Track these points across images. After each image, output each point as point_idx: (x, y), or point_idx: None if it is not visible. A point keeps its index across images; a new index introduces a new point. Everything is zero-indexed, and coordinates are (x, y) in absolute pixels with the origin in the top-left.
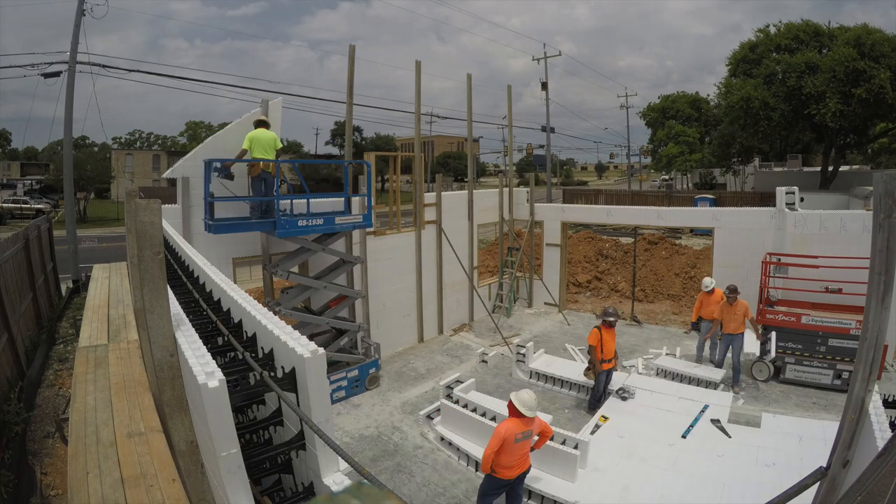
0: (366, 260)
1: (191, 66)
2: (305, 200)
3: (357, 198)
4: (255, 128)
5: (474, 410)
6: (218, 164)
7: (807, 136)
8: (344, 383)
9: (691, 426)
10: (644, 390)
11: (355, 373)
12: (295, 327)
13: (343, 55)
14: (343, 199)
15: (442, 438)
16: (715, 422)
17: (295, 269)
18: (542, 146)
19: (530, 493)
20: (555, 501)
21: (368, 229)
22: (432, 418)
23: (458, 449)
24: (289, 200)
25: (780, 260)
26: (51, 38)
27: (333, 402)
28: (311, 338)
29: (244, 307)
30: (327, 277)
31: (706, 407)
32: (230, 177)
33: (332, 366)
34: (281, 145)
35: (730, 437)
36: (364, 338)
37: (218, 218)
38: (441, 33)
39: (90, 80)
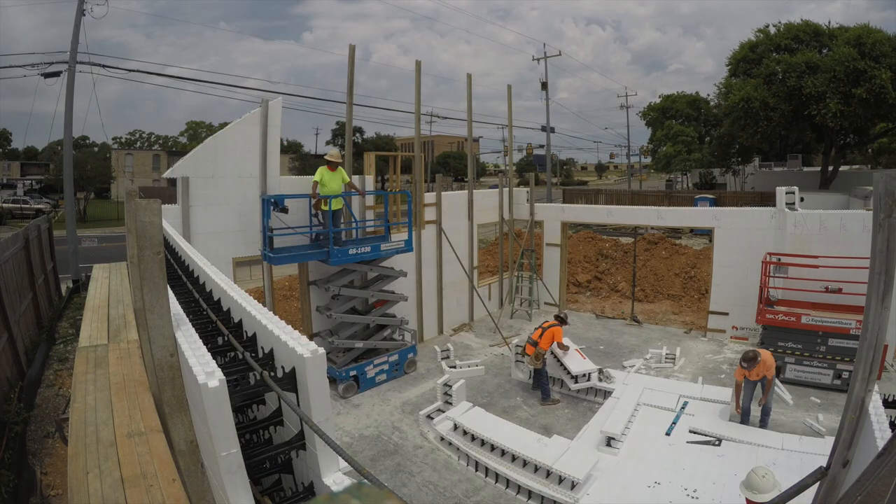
0: None
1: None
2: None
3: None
4: (330, 168)
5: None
6: (273, 200)
7: (807, 136)
8: (386, 367)
9: (673, 423)
10: (645, 389)
11: (395, 357)
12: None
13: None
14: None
15: (442, 438)
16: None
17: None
18: (542, 146)
19: (530, 494)
20: (554, 501)
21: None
22: (432, 418)
23: (458, 449)
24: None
25: (780, 260)
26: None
27: (377, 385)
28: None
29: (244, 307)
30: (375, 286)
31: (685, 403)
32: (285, 210)
33: (375, 351)
34: (348, 179)
35: (718, 443)
36: (402, 326)
37: (277, 248)
38: (504, 15)
39: (90, 79)
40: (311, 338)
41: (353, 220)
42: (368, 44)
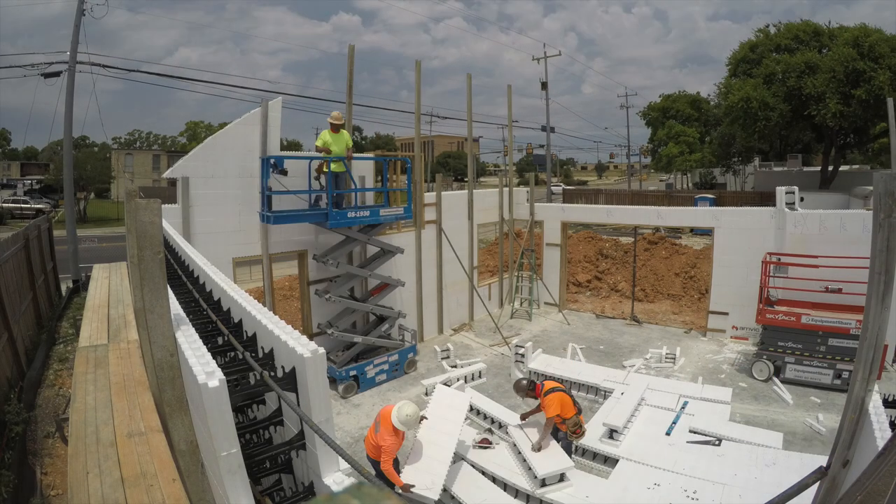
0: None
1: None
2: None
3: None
4: (332, 131)
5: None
6: (273, 161)
7: (807, 136)
8: (386, 367)
9: (673, 423)
10: (645, 389)
11: (395, 357)
12: (340, 315)
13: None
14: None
15: None
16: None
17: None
18: (542, 146)
19: (528, 497)
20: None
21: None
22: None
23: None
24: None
25: (780, 260)
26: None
27: (377, 385)
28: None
29: (244, 307)
30: (373, 265)
31: (685, 403)
32: (284, 172)
33: (375, 351)
34: (351, 143)
35: (718, 443)
36: (402, 326)
37: (275, 210)
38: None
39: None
40: (311, 338)
41: (353, 184)
42: (410, 29)
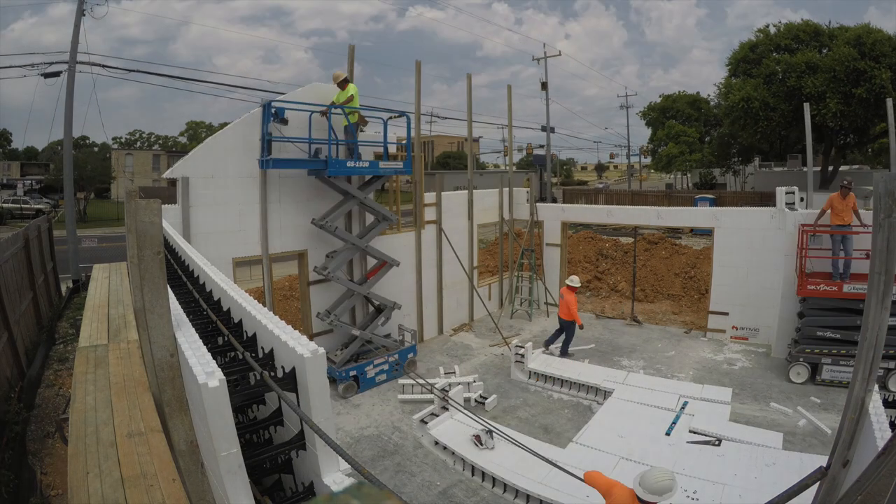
0: (366, 260)
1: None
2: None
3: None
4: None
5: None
6: (274, 109)
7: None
8: (386, 367)
9: (673, 423)
10: (645, 389)
11: (395, 357)
12: (338, 301)
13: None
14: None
15: (436, 443)
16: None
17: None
18: (542, 146)
19: (528, 497)
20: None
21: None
22: (426, 422)
23: (452, 454)
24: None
25: (815, 229)
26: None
27: (377, 385)
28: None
29: (244, 307)
30: (369, 236)
31: (685, 403)
32: (285, 122)
33: (376, 351)
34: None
35: (718, 443)
36: (402, 326)
37: (274, 157)
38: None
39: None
40: (311, 338)
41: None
42: (464, 9)
